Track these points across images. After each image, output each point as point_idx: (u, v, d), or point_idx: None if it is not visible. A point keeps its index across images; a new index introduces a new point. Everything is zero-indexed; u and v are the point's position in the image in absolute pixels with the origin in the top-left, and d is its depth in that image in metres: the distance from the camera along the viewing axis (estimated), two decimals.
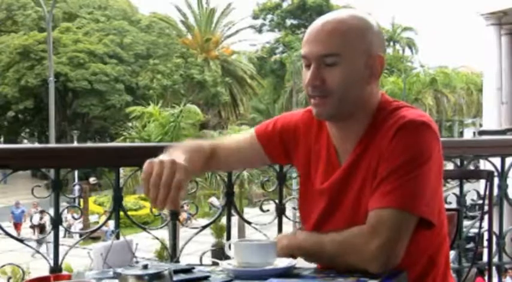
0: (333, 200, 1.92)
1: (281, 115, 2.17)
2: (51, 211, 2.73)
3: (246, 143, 2.15)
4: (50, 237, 2.75)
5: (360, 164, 1.88)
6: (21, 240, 2.97)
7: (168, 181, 1.74)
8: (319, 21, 1.92)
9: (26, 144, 34.23)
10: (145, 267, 1.57)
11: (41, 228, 22.35)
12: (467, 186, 3.14)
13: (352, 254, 1.77)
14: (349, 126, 1.92)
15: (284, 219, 2.93)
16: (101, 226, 3.43)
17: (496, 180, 3.04)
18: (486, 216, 2.50)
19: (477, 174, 2.80)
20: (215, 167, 2.21)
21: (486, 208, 2.48)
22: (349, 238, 1.79)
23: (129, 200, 25.62)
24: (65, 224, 2.88)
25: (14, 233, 22.36)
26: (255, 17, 51.85)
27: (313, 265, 1.88)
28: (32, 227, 23.34)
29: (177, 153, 1.89)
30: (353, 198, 1.89)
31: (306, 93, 1.95)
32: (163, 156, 1.82)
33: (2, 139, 41.42)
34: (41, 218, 22.55)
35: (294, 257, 1.86)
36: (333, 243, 1.80)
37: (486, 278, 2.87)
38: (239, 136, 2.22)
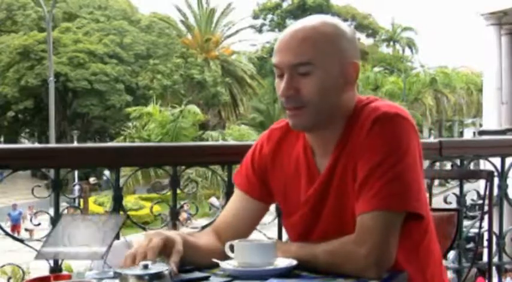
0: (315, 208, 1.91)
1: (248, 152, 2.08)
2: (51, 211, 2.73)
3: (240, 206, 2.05)
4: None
5: (338, 167, 1.86)
6: (21, 240, 2.98)
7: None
8: (290, 29, 1.88)
9: (26, 144, 34.22)
10: (145, 267, 1.57)
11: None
12: (467, 186, 3.14)
13: (346, 263, 1.75)
14: (326, 133, 1.89)
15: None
16: None
17: (496, 180, 3.04)
18: (486, 216, 2.50)
19: (477, 174, 2.80)
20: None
21: (486, 208, 2.48)
22: (339, 248, 1.77)
23: (129, 200, 25.59)
24: None
25: (7, 248, 22.11)
26: (255, 17, 51.86)
27: None
28: (27, 230, 23.06)
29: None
30: (334, 202, 1.87)
31: (281, 104, 1.90)
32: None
33: (2, 139, 41.40)
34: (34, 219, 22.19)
35: None
36: (325, 253, 1.78)
37: (487, 278, 2.87)
38: (230, 206, 2.08)
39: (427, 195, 1.98)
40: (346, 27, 1.90)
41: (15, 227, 24.20)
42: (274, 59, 1.88)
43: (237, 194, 2.06)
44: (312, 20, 1.89)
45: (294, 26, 1.89)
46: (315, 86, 1.83)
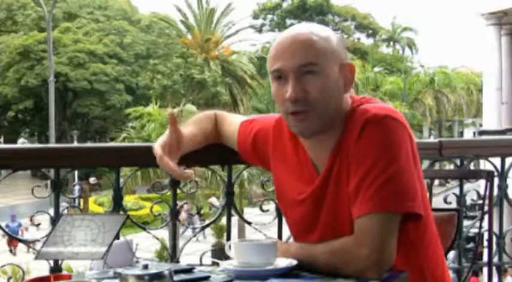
0: (313, 209, 1.92)
1: (259, 119, 2.19)
2: (51, 211, 2.73)
3: (231, 130, 2.25)
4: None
5: (334, 170, 1.88)
6: (21, 240, 2.98)
7: None
8: (288, 34, 1.90)
9: (26, 144, 34.21)
10: (145, 267, 1.57)
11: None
12: (467, 186, 3.14)
13: (347, 264, 1.77)
14: (324, 137, 1.90)
15: (284, 219, 2.92)
16: None
17: (496, 180, 3.04)
18: (486, 216, 2.50)
19: (477, 174, 2.80)
20: (213, 139, 2.32)
21: (486, 208, 2.48)
22: (339, 249, 1.79)
23: (129, 200, 25.61)
24: None
25: (6, 249, 21.56)
26: (255, 17, 51.86)
27: None
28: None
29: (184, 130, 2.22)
30: (331, 205, 1.88)
31: (281, 110, 1.90)
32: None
33: (2, 139, 41.38)
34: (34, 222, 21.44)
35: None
36: (325, 254, 1.80)
37: (486, 278, 2.86)
38: (235, 120, 2.30)
39: (427, 194, 1.98)
40: (333, 31, 1.95)
41: (12, 241, 22.23)
42: (276, 65, 1.87)
43: (235, 131, 2.22)
44: (307, 25, 1.93)
45: (292, 30, 1.91)
46: (321, 87, 1.84)
